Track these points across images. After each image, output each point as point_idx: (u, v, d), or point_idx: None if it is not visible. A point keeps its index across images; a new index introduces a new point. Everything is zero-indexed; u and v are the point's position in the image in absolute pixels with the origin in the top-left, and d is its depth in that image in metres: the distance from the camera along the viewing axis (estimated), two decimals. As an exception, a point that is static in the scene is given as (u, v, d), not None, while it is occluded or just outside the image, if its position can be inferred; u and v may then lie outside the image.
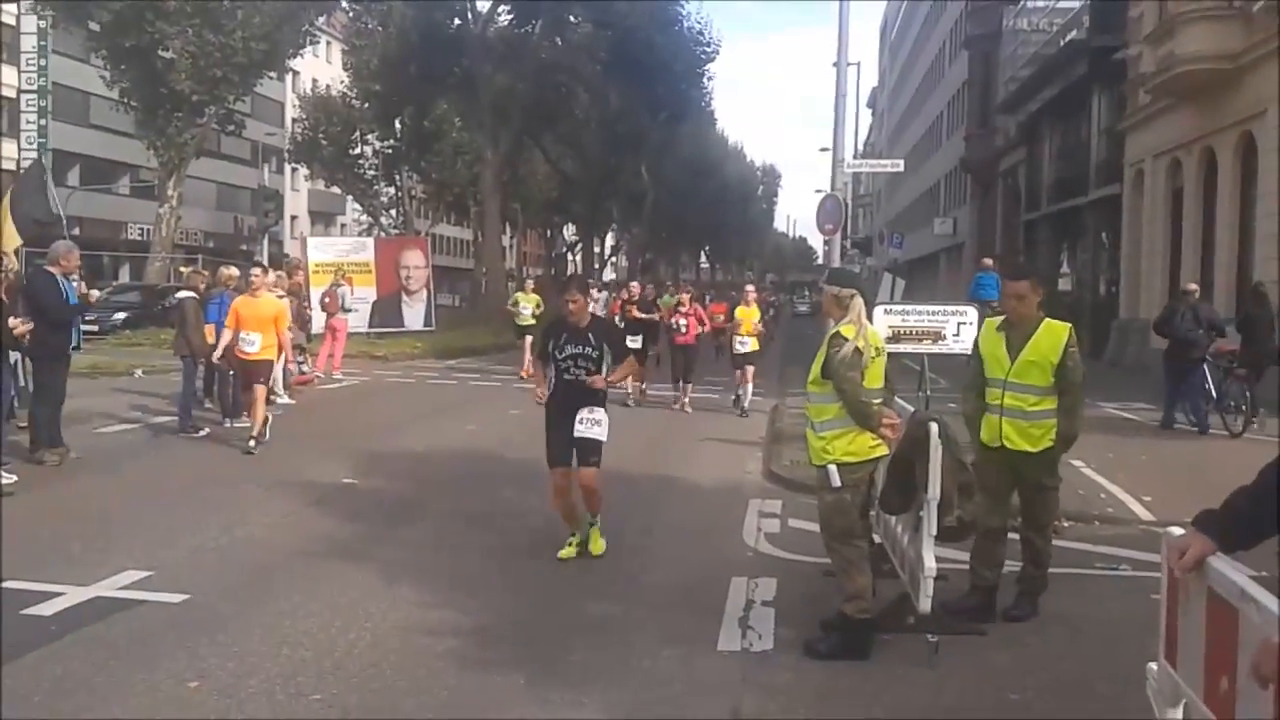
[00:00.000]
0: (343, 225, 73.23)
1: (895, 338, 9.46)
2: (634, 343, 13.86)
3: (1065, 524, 7.91)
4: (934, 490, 5.38)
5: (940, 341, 9.74)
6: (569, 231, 73.69)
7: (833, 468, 5.46)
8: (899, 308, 11.42)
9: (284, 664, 5.13)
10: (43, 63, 48.12)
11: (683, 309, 16.50)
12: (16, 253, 12.72)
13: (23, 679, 4.85)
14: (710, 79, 49.11)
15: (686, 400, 15.91)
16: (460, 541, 7.59)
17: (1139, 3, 24.08)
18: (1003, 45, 38.11)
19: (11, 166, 46.21)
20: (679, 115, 46.69)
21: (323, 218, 74.77)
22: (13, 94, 48.37)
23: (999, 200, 40.16)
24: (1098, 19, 27.23)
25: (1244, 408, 13.29)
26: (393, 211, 57.33)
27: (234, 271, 13.69)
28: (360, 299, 26.18)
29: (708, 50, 45.74)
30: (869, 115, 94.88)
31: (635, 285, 19.06)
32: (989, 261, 21.86)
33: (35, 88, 48.06)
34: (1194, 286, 15.11)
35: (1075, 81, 28.60)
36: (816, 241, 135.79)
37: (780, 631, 5.71)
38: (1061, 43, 29.98)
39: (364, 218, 59.22)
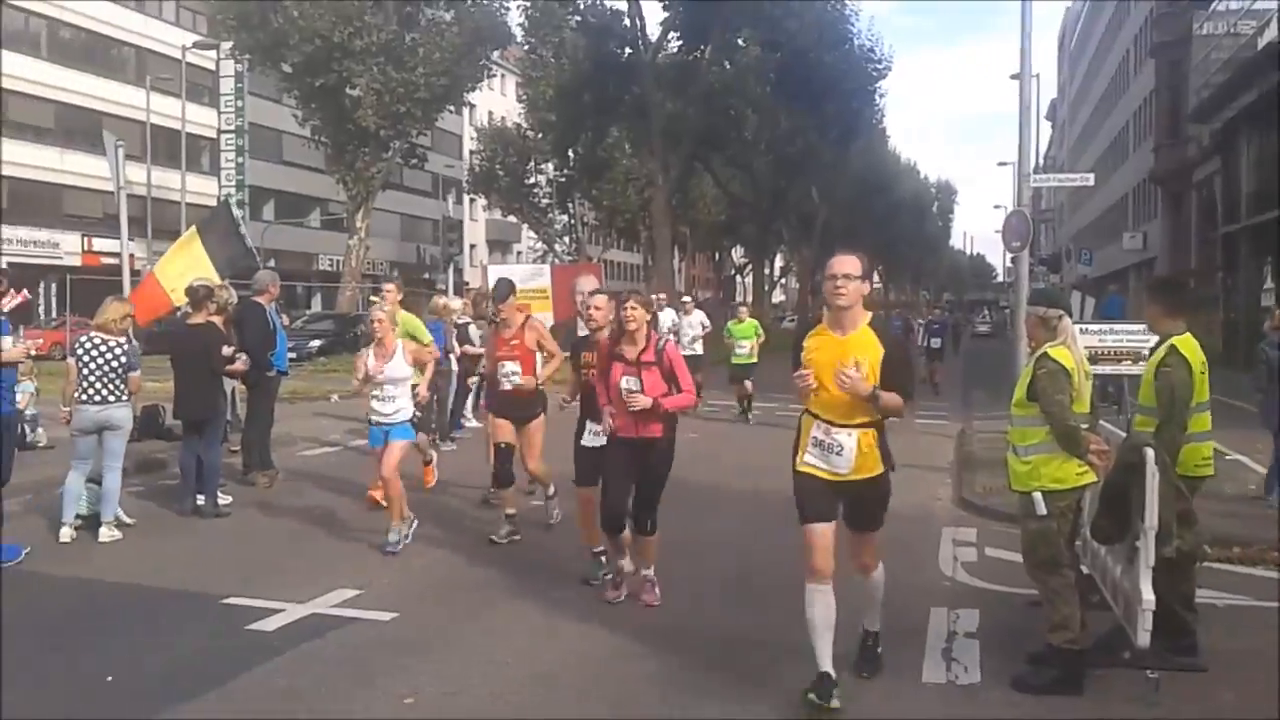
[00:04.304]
0: (518, 253, 75.16)
1: (1092, 359, 9.08)
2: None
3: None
4: (1151, 519, 5.14)
5: (1141, 362, 9.30)
6: (738, 254, 73.72)
7: (1038, 494, 5.28)
8: (1095, 327, 10.99)
9: (494, 683, 5.27)
10: (240, 104, 51.16)
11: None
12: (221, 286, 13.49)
13: (253, 692, 5.13)
14: (882, 95, 48.51)
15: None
16: (659, 562, 7.65)
17: (1348, -1, 22.58)
18: (1192, 51, 36.31)
19: (212, 203, 49.23)
20: (850, 133, 46.17)
21: (499, 246, 76.92)
22: (213, 134, 51.55)
23: (1192, 213, 38.20)
24: (1298, 19, 25.65)
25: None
26: (566, 238, 58.54)
27: (443, 301, 14.03)
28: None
29: (879, 67, 45.17)
30: (1048, 127, 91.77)
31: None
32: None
33: (233, 128, 51.13)
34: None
35: (1274, 86, 26.99)
36: (995, 259, 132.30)
37: (987, 664, 5.53)
38: (1258, 46, 28.35)
39: (538, 245, 60.63)
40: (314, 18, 32.90)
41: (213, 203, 48.73)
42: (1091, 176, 21.24)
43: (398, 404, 8.23)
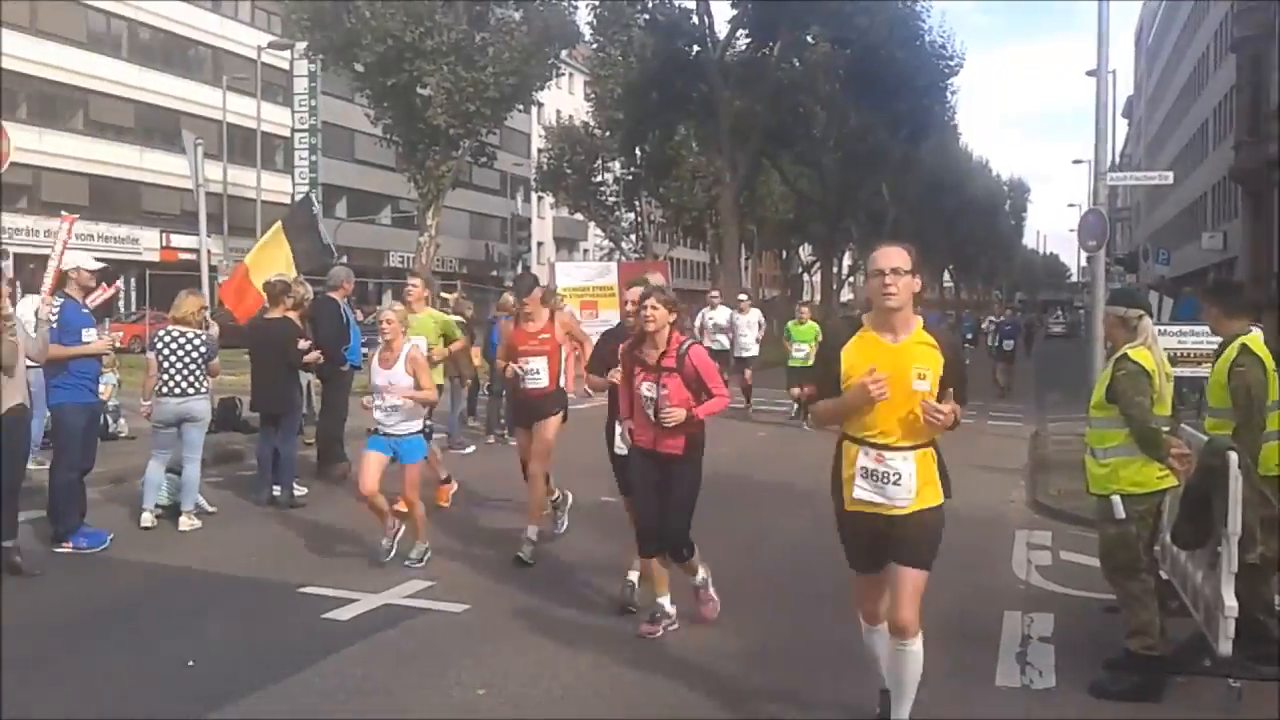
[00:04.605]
0: (584, 250, 75.47)
1: (1171, 360, 8.89)
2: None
3: None
4: (1235, 525, 5.02)
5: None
6: (805, 252, 73.26)
7: (1117, 498, 5.19)
8: (1175, 329, 10.78)
9: (565, 676, 5.31)
10: (313, 103, 52.03)
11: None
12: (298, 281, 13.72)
13: (328, 680, 5.23)
14: (953, 92, 47.86)
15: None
16: (724, 559, 7.64)
17: None
18: (1275, 46, 35.34)
19: (286, 200, 50.10)
20: (921, 131, 45.64)
21: (566, 244, 77.31)
22: (287, 133, 52.46)
23: (1275, 212, 37.18)
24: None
25: None
26: (632, 236, 58.63)
27: (512, 298, 14.10)
28: (604, 321, 26.89)
29: (950, 64, 44.56)
30: (1124, 125, 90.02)
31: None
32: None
33: (306, 127, 52.02)
34: None
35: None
36: (1069, 258, 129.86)
37: (1062, 669, 5.45)
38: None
39: (605, 243, 60.81)
40: (386, 18, 33.28)
41: (286, 200, 49.72)
42: (1170, 175, 20.81)
43: (405, 413, 7.44)
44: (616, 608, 6.40)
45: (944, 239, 71.68)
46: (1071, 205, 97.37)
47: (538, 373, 7.82)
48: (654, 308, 5.82)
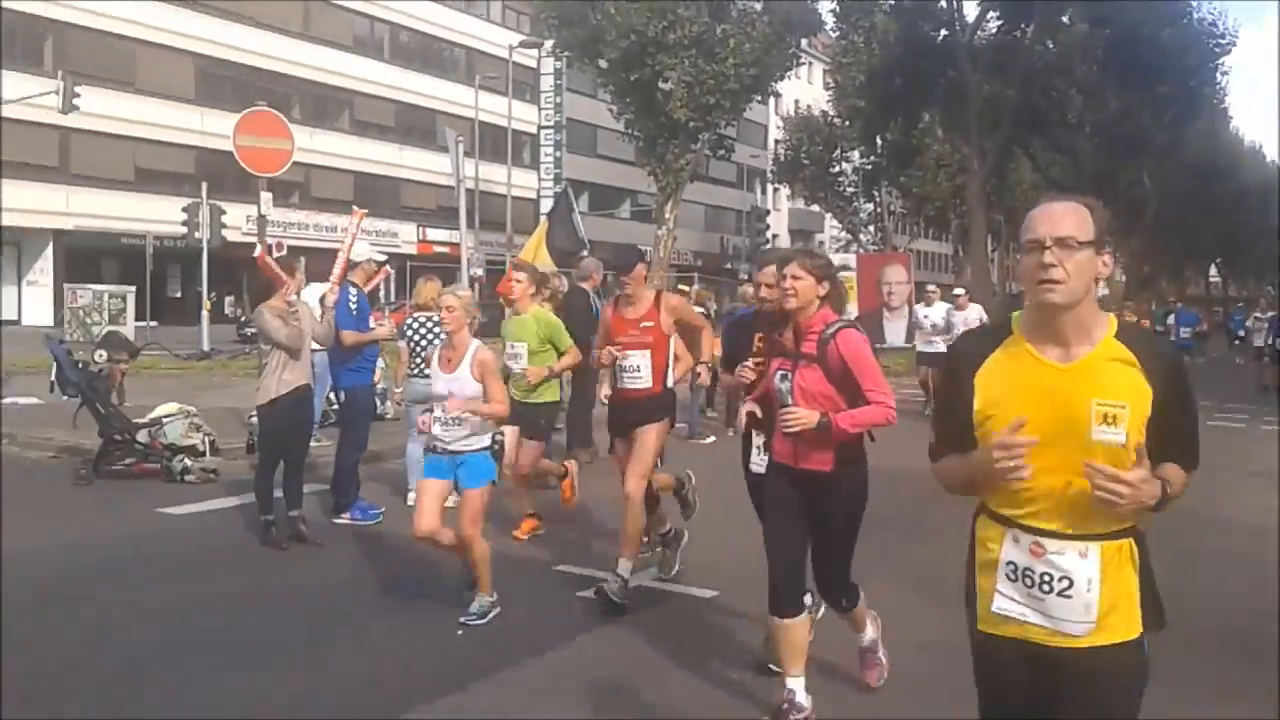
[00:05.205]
0: (820, 242, 74.71)
1: None
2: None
3: None
4: None
5: None
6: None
7: None
8: None
9: (839, 657, 5.22)
10: (559, 100, 53.78)
11: None
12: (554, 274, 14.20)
13: (587, 657, 5.42)
14: (1224, 73, 44.62)
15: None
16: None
17: None
18: None
19: (532, 195, 51.95)
20: (1187, 115, 42.77)
21: (801, 235, 76.78)
22: (534, 129, 54.39)
23: None
24: None
25: None
26: (871, 227, 57.63)
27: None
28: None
29: (1221, 42, 41.55)
30: None
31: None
32: None
33: (552, 123, 53.81)
34: None
35: None
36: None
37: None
38: None
39: (842, 234, 60.06)
40: (630, 13, 33.99)
41: (533, 195, 51.60)
42: None
43: (472, 425, 5.85)
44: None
45: (1211, 230, 66.91)
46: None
47: (638, 370, 6.35)
48: (796, 277, 4.50)
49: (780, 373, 4.53)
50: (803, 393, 4.43)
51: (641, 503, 6.37)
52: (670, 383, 6.50)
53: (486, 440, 5.90)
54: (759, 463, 5.05)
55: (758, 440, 5.14)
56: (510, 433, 6.88)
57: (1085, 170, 46.66)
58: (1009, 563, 2.62)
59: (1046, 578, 2.57)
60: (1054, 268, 2.51)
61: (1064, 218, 2.55)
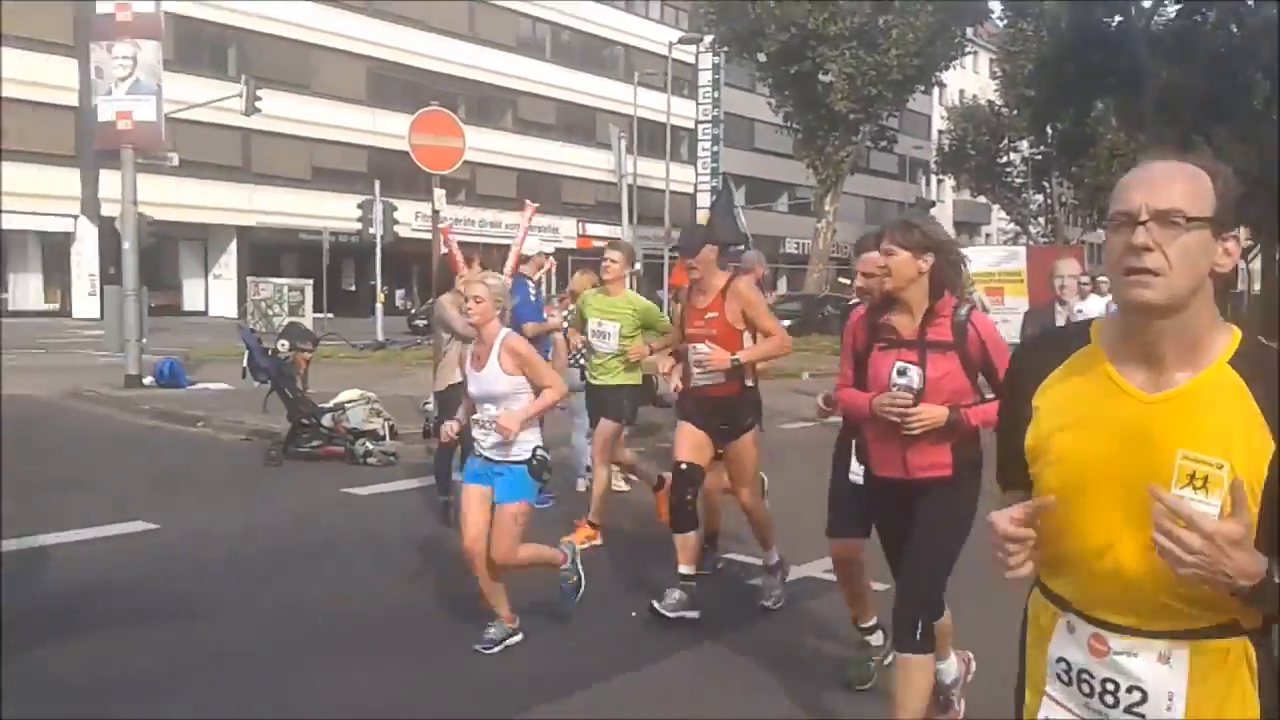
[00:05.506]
0: (986, 235, 72.84)
1: None
2: None
3: None
4: None
5: None
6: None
7: None
8: None
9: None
10: (717, 95, 53.84)
11: None
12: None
13: (763, 642, 5.51)
14: None
15: None
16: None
17: None
18: None
19: (689, 190, 52.18)
20: (1386, 98, 40.08)
21: (967, 228, 74.98)
22: (691, 125, 54.63)
23: None
24: None
25: None
26: (1040, 219, 55.87)
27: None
28: (1011, 309, 25.86)
29: None
30: None
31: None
32: None
33: (710, 118, 53.92)
34: None
35: None
36: None
37: None
38: None
39: (1010, 226, 58.40)
40: (790, 6, 33.85)
41: (690, 190, 51.84)
42: None
43: (499, 434, 5.09)
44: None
45: None
46: None
47: (705, 362, 5.64)
48: (889, 253, 3.71)
49: (903, 364, 3.77)
50: (934, 388, 3.75)
51: (762, 509, 6.20)
52: (750, 381, 5.82)
53: (528, 450, 5.15)
54: (857, 471, 4.44)
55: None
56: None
57: (1273, 160, 44.16)
58: (1060, 659, 1.88)
59: (1110, 686, 1.80)
60: (1149, 253, 1.73)
61: (1169, 185, 1.76)
